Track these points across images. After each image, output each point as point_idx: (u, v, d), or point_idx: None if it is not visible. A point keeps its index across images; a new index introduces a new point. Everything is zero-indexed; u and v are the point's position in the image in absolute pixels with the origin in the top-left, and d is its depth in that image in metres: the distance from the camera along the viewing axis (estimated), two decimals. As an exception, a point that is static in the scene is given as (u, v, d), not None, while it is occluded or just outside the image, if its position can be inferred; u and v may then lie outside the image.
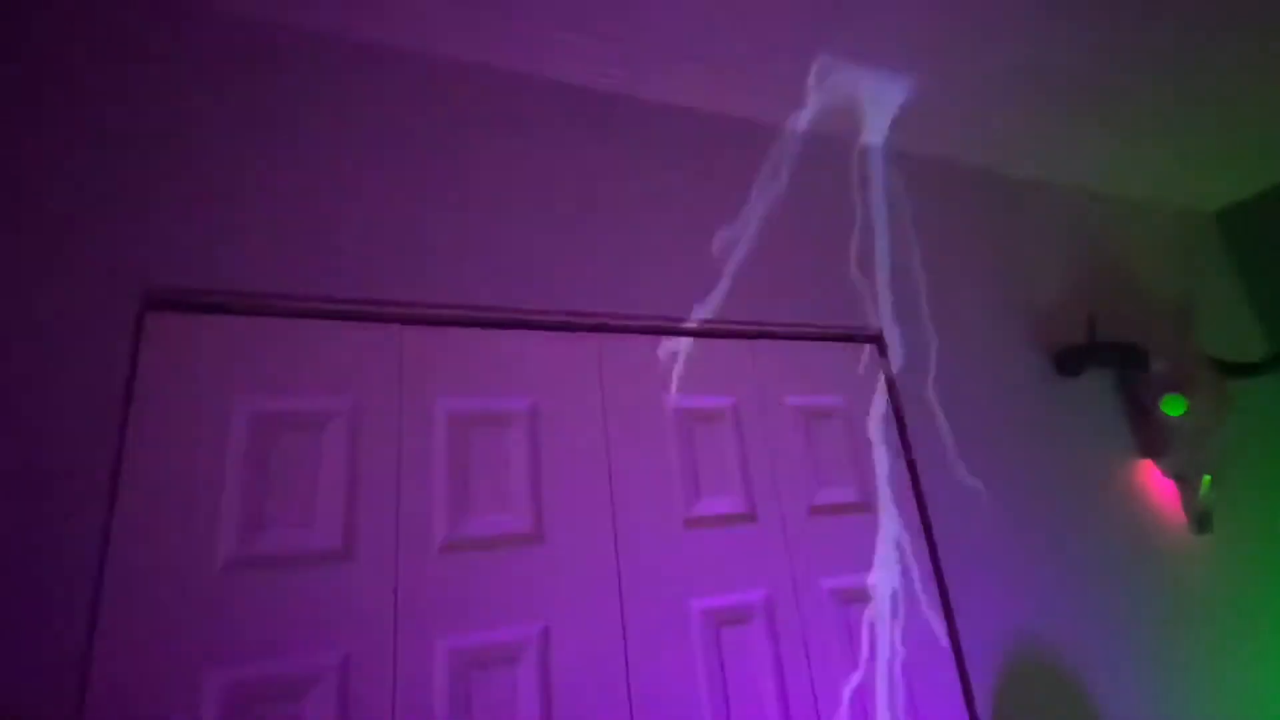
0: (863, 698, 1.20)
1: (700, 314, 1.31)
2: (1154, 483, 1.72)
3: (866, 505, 1.34)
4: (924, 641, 1.27)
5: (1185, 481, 1.69)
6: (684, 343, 1.29)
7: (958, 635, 1.31)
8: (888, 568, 1.31)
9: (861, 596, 1.27)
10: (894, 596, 1.29)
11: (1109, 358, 1.64)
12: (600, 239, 1.30)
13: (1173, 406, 1.60)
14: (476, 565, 1.01)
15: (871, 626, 1.25)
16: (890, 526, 1.34)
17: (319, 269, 1.05)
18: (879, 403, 1.42)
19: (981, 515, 1.42)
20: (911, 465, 1.41)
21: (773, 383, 1.35)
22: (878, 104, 1.57)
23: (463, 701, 0.94)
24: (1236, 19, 1.43)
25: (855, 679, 1.20)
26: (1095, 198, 2.09)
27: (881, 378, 1.44)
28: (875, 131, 1.65)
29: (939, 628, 1.29)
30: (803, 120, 1.52)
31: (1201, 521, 1.69)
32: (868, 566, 1.29)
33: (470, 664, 0.96)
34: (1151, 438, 1.68)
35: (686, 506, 1.20)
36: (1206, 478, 1.68)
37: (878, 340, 1.49)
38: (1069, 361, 1.66)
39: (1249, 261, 2.25)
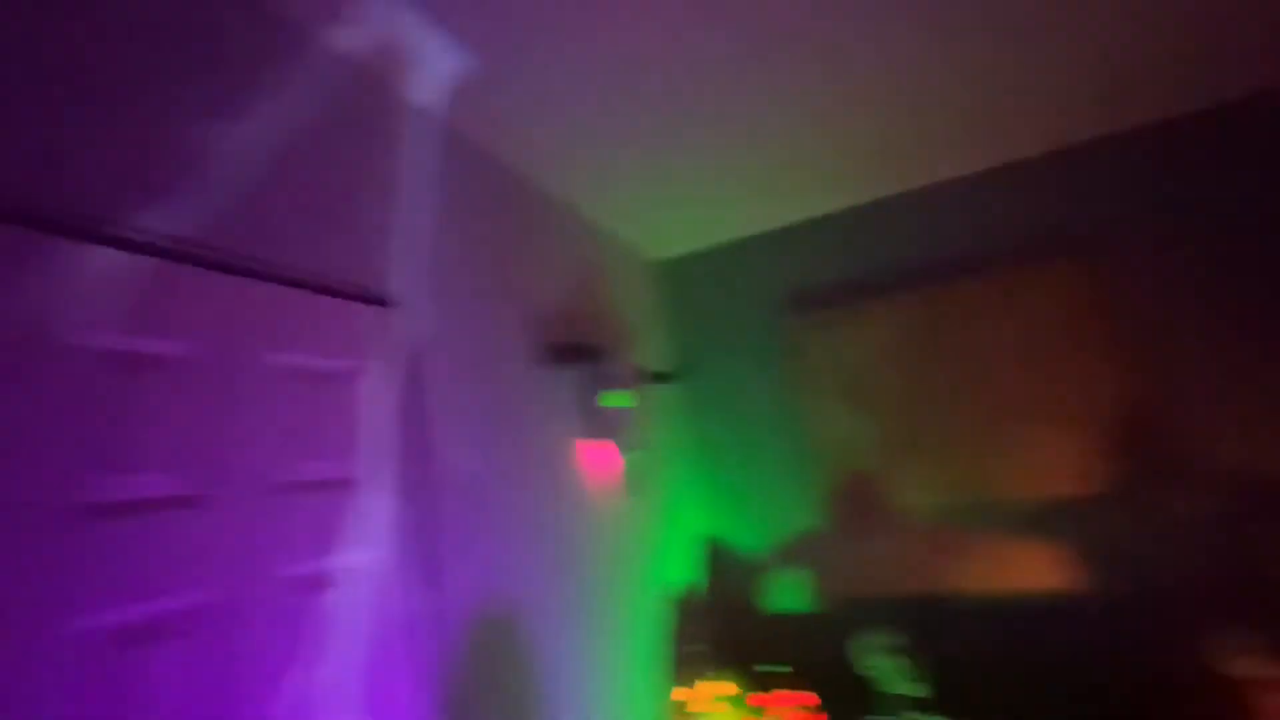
0: (319, 684, 1.08)
1: (152, 223, 0.97)
2: (601, 457, 2.16)
3: (350, 480, 1.23)
4: (402, 620, 1.25)
5: (616, 456, 2.18)
6: (121, 259, 0.94)
7: (439, 608, 1.33)
8: (369, 546, 1.23)
9: (335, 579, 1.15)
10: (374, 576, 1.22)
11: (580, 356, 2.00)
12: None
13: (615, 399, 2.06)
14: None
15: (346, 609, 1.15)
16: (377, 502, 1.27)
17: None
18: (377, 371, 1.34)
19: (465, 488, 1.50)
20: (406, 438, 1.38)
21: (249, 333, 1.11)
22: (431, 65, 1.51)
23: None
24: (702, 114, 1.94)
25: (319, 665, 1.08)
26: (590, 229, 2.55)
27: (383, 345, 1.37)
28: (424, 93, 1.59)
29: (420, 604, 1.29)
30: (343, 39, 1.33)
31: (626, 488, 2.21)
32: (346, 546, 1.19)
33: None
34: (599, 422, 2.12)
35: (81, 489, 0.85)
36: (631, 454, 2.21)
37: (384, 304, 1.41)
38: (553, 355, 1.93)
39: (672, 301, 3.15)
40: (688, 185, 2.43)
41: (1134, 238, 2.35)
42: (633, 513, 2.36)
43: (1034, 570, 2.36)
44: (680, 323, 3.13)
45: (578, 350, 1.98)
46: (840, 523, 2.70)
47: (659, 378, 2.41)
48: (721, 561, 2.90)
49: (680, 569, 2.71)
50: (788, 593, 2.76)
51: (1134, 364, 2.29)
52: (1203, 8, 1.69)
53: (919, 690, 1.91)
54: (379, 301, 1.39)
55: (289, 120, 1.25)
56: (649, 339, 2.89)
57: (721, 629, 2.81)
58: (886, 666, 1.97)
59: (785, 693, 2.22)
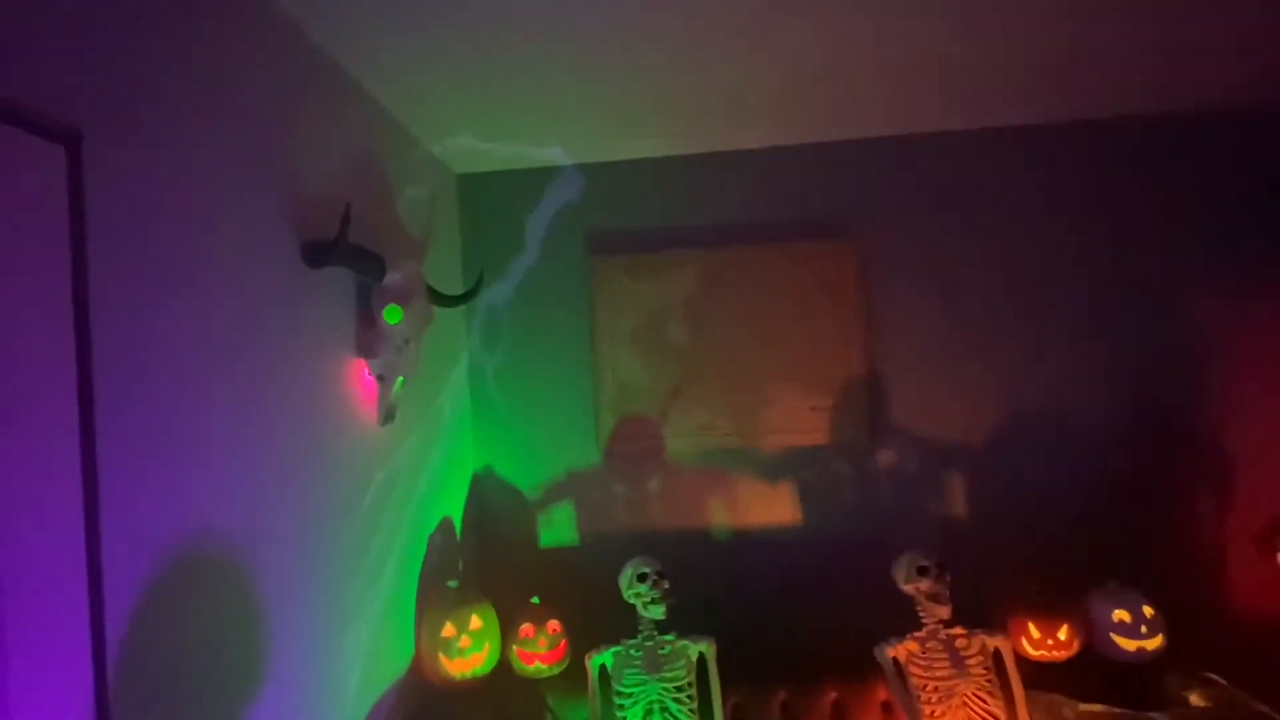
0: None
1: None
2: (358, 380, 1.90)
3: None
4: (35, 571, 0.94)
5: (384, 380, 1.95)
6: None
7: (99, 550, 1.03)
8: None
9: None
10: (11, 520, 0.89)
11: (354, 260, 1.71)
12: None
13: (392, 315, 1.82)
14: None
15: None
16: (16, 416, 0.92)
17: None
18: (18, 225, 0.96)
19: (161, 406, 1.19)
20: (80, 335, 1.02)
21: None
22: None
23: None
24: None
25: None
26: (388, 124, 2.19)
27: (40, 191, 0.99)
28: None
29: (69, 547, 0.98)
30: None
31: (388, 415, 1.99)
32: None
33: None
34: (369, 340, 1.86)
35: None
36: (400, 379, 1.98)
37: (69, 142, 1.01)
38: (317, 254, 1.62)
39: (472, 220, 2.89)
40: (505, 100, 2.20)
41: (884, 228, 2.72)
42: (400, 442, 2.15)
43: (772, 508, 2.71)
44: (478, 244, 2.89)
45: (350, 253, 1.68)
46: (614, 462, 2.79)
47: (445, 298, 2.19)
48: (491, 495, 2.84)
49: (447, 503, 2.58)
50: (556, 528, 2.80)
51: (867, 338, 2.69)
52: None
53: (661, 614, 2.06)
54: (59, 138, 0.98)
55: None
56: (442, 256, 2.62)
57: (486, 563, 2.77)
58: (641, 594, 2.09)
59: (546, 622, 2.27)
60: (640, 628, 2.09)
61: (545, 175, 2.86)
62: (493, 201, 2.89)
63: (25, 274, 0.93)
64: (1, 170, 0.91)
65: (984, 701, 1.93)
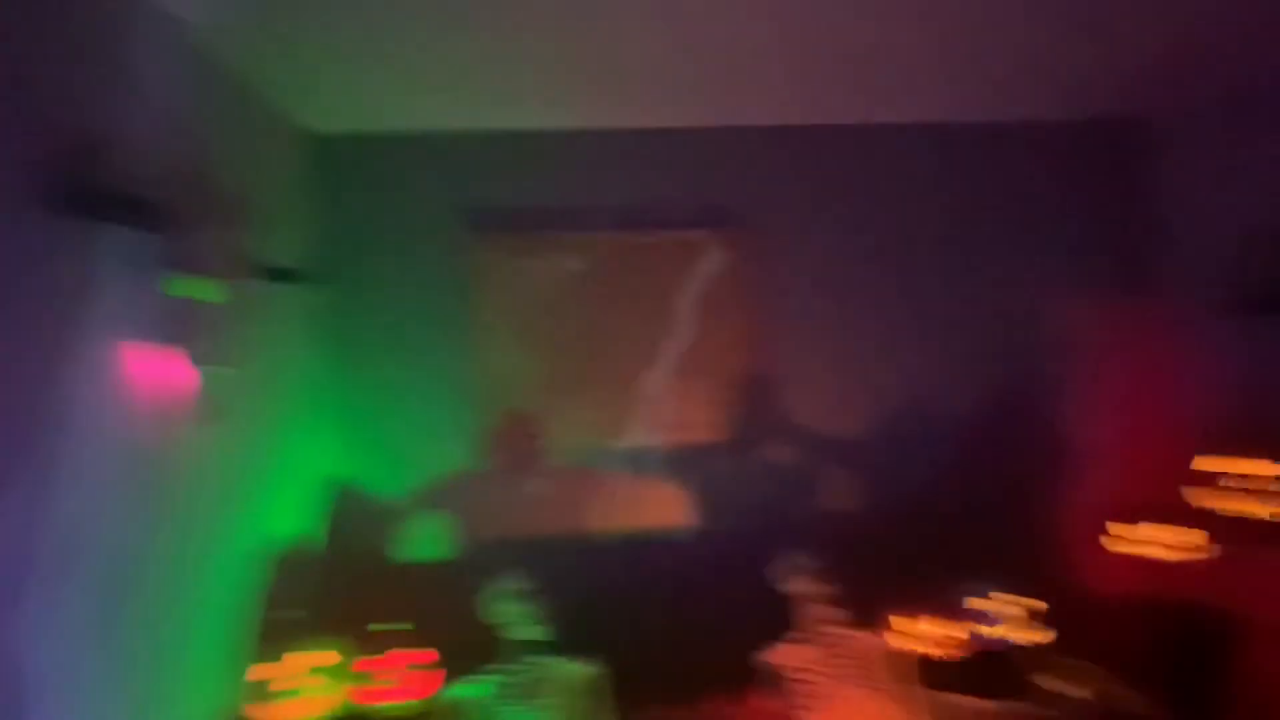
0: None
1: None
2: (165, 367, 1.51)
3: None
4: None
5: (199, 368, 1.57)
6: None
7: None
8: None
9: None
10: None
11: (138, 216, 1.32)
12: None
13: (192, 288, 1.45)
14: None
15: None
16: None
17: None
18: None
19: None
20: None
21: None
22: None
23: None
24: None
25: None
26: (213, 57, 1.78)
27: None
28: None
29: None
30: None
31: (212, 411, 1.61)
32: None
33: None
34: (168, 318, 1.47)
35: None
36: (221, 368, 1.62)
37: None
38: (89, 205, 1.23)
39: (321, 186, 2.48)
40: (375, 48, 1.87)
41: (778, 220, 2.66)
42: (215, 445, 1.76)
43: (655, 509, 2.57)
44: (328, 214, 2.48)
45: (132, 206, 1.30)
46: (491, 463, 2.53)
47: (281, 274, 1.83)
48: (347, 508, 2.46)
49: (288, 517, 2.19)
50: (424, 541, 2.48)
51: (758, 332, 2.63)
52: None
53: (541, 633, 1.85)
54: None
55: None
56: (280, 225, 2.20)
57: (334, 587, 2.38)
58: (513, 612, 1.87)
59: (400, 653, 1.96)
60: (508, 650, 1.86)
61: (417, 142, 2.53)
62: (355, 168, 2.51)
63: None
64: None
65: (868, 700, 1.90)
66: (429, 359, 2.52)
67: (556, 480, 2.55)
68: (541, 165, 2.57)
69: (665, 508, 2.59)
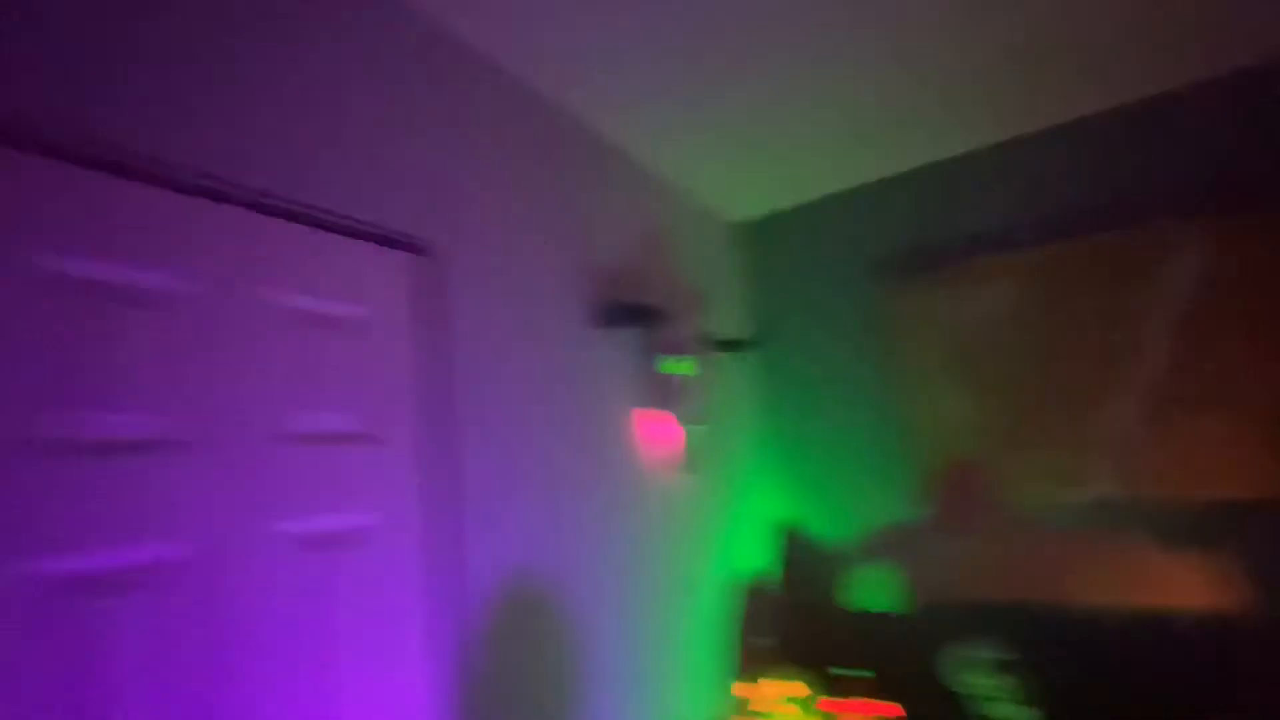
0: (314, 657, 1.00)
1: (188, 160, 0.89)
2: (660, 429, 1.98)
3: (360, 435, 1.13)
4: (417, 593, 1.15)
5: (684, 428, 2.00)
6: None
7: (460, 583, 1.22)
8: (380, 508, 1.13)
9: (339, 541, 1.06)
10: (386, 542, 1.12)
11: (639, 318, 1.82)
12: None
13: (676, 366, 1.87)
14: None
15: (350, 575, 1.06)
16: (393, 461, 1.16)
17: None
18: (400, 320, 1.23)
19: (499, 454, 1.38)
20: (435, 393, 1.27)
21: (254, 270, 1.02)
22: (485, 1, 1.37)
23: None
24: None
25: (314, 635, 0.99)
26: (658, 184, 2.34)
27: (410, 293, 1.26)
28: (475, 32, 1.45)
29: (439, 578, 1.19)
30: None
31: (693, 463, 2.03)
32: (353, 505, 1.10)
33: None
34: (660, 391, 1.94)
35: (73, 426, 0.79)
36: (697, 427, 2.02)
37: (414, 250, 1.29)
38: (608, 315, 1.77)
39: (751, 265, 2.88)
40: (765, 138, 2.17)
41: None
42: (694, 491, 2.17)
43: (1178, 584, 1.95)
44: (760, 288, 2.86)
45: (635, 312, 1.80)
46: (937, 516, 2.37)
47: (730, 345, 2.19)
48: (798, 551, 2.65)
49: (750, 556, 2.50)
50: (872, 590, 2.47)
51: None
52: None
53: (1025, 715, 1.61)
54: (407, 246, 1.28)
55: (324, 52, 1.15)
56: (724, 304, 2.65)
57: (794, 624, 2.57)
58: (987, 684, 1.68)
59: (864, 701, 1.97)
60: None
61: (820, 208, 2.72)
62: (776, 242, 2.85)
63: (400, 360, 1.20)
64: (387, 276, 1.19)
65: None
66: (860, 408, 2.57)
67: (1021, 537, 2.22)
68: (942, 197, 2.42)
69: (1192, 581, 1.95)
